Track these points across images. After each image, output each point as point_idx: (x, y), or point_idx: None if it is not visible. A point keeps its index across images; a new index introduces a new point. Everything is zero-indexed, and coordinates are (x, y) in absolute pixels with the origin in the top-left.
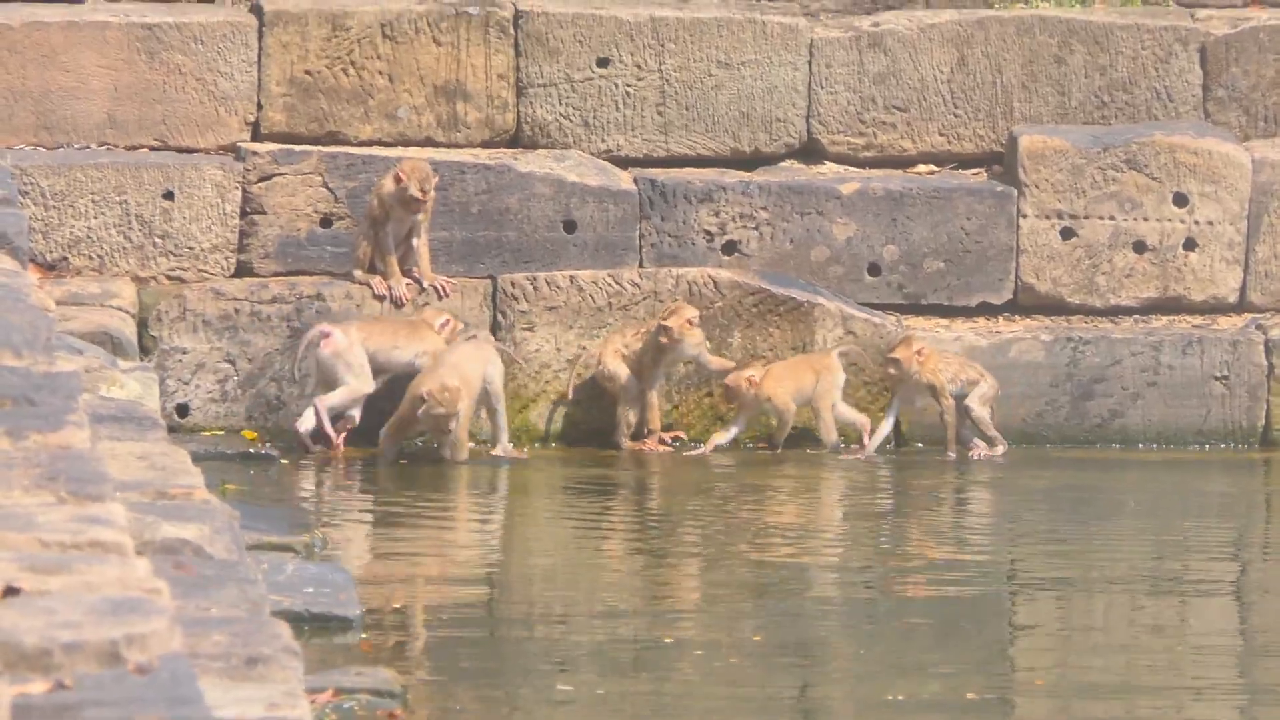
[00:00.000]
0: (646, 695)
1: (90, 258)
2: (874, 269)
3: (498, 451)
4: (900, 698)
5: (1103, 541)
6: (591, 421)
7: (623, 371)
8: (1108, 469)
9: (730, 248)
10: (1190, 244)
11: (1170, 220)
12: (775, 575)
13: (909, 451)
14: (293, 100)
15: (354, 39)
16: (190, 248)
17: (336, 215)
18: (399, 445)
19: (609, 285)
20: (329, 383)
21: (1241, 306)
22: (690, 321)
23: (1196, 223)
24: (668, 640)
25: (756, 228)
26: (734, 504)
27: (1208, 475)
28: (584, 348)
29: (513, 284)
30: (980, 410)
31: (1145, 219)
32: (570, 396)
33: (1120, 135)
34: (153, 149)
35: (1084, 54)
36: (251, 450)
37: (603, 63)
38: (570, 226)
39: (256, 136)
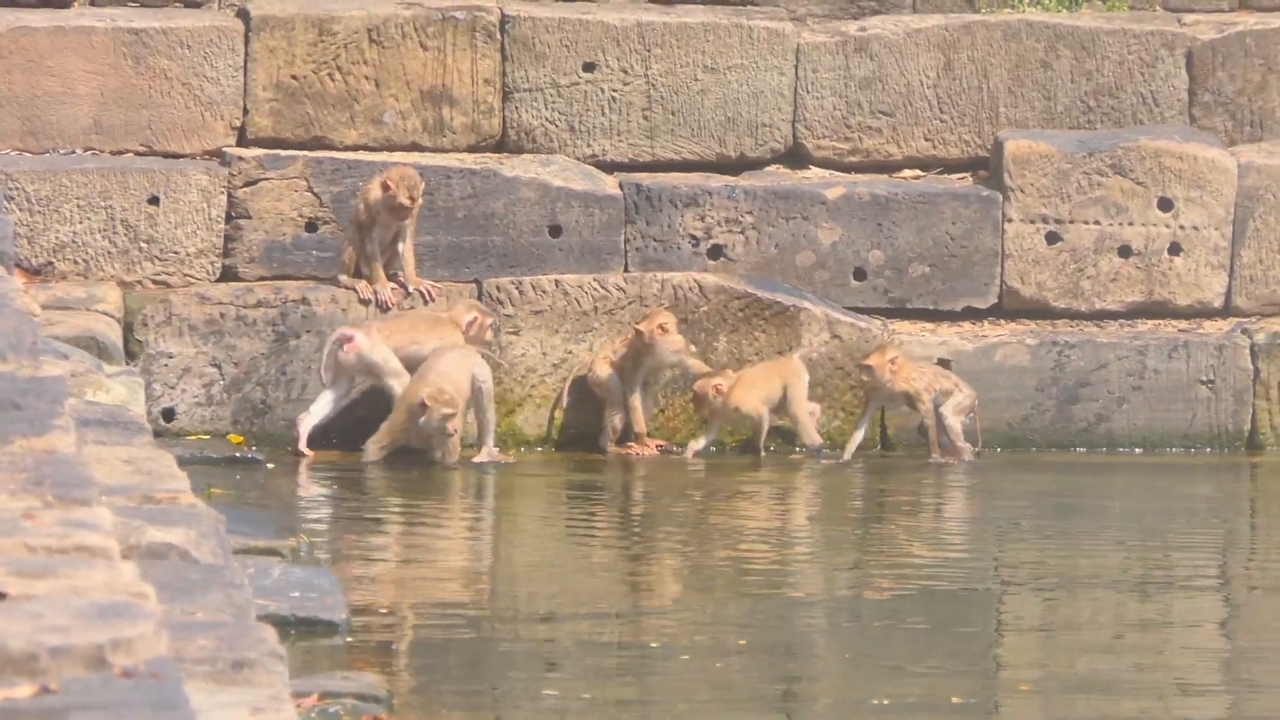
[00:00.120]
0: (633, 699)
1: (76, 262)
2: (859, 273)
3: (482, 456)
4: (885, 702)
5: (1089, 544)
6: (577, 426)
7: (610, 377)
8: (1093, 473)
9: (716, 252)
10: (1175, 249)
11: (1155, 225)
12: (759, 578)
13: (893, 456)
14: (278, 105)
15: (340, 44)
16: (176, 252)
17: (322, 220)
18: (385, 452)
19: (594, 289)
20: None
21: (1227, 311)
22: (663, 327)
23: (1182, 227)
24: (654, 645)
25: (742, 232)
26: (717, 507)
27: (1194, 479)
28: (570, 351)
29: (498, 288)
30: (953, 420)
31: (1130, 224)
32: (564, 404)
33: (1106, 140)
34: (138, 154)
35: (1070, 59)
36: (238, 454)
37: (589, 67)
38: (556, 231)
39: (242, 141)
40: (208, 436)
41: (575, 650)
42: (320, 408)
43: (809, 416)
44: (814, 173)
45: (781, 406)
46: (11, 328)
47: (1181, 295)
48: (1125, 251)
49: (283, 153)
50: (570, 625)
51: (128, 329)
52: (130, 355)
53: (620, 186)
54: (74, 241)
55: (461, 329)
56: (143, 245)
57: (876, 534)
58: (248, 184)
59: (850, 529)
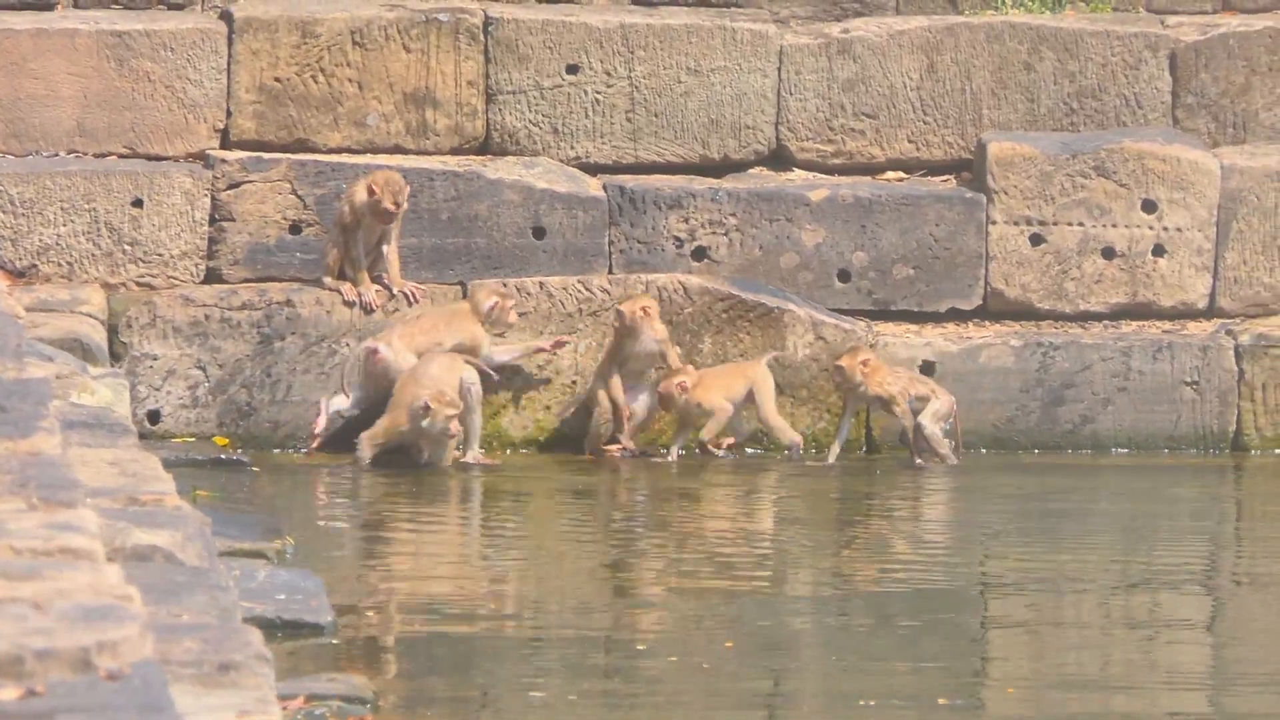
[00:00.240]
0: (620, 699)
1: (60, 265)
2: (843, 275)
3: (469, 459)
4: (872, 703)
5: (1073, 544)
6: (562, 428)
7: (599, 386)
8: (1078, 475)
9: (700, 254)
10: (1159, 250)
11: (1139, 226)
12: (745, 578)
13: (877, 458)
14: (262, 107)
15: (324, 46)
16: (160, 254)
17: (306, 222)
18: (377, 450)
19: (579, 291)
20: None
21: (1211, 312)
22: (646, 310)
23: (1165, 229)
24: (641, 645)
25: (726, 234)
26: (702, 508)
27: (1179, 480)
28: (555, 353)
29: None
30: (932, 428)
31: (1114, 225)
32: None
33: (1089, 142)
34: (122, 156)
35: (1053, 60)
36: (223, 457)
37: (572, 69)
38: (539, 233)
39: (226, 144)
40: (193, 439)
41: (562, 650)
42: (344, 400)
43: (779, 418)
44: (797, 175)
45: (750, 411)
46: None
47: (1165, 297)
48: (1109, 253)
49: (266, 155)
50: (557, 625)
51: (112, 331)
52: (115, 357)
53: (604, 188)
54: (58, 244)
55: (482, 315)
56: (126, 247)
57: (861, 534)
58: (231, 186)
59: (834, 529)
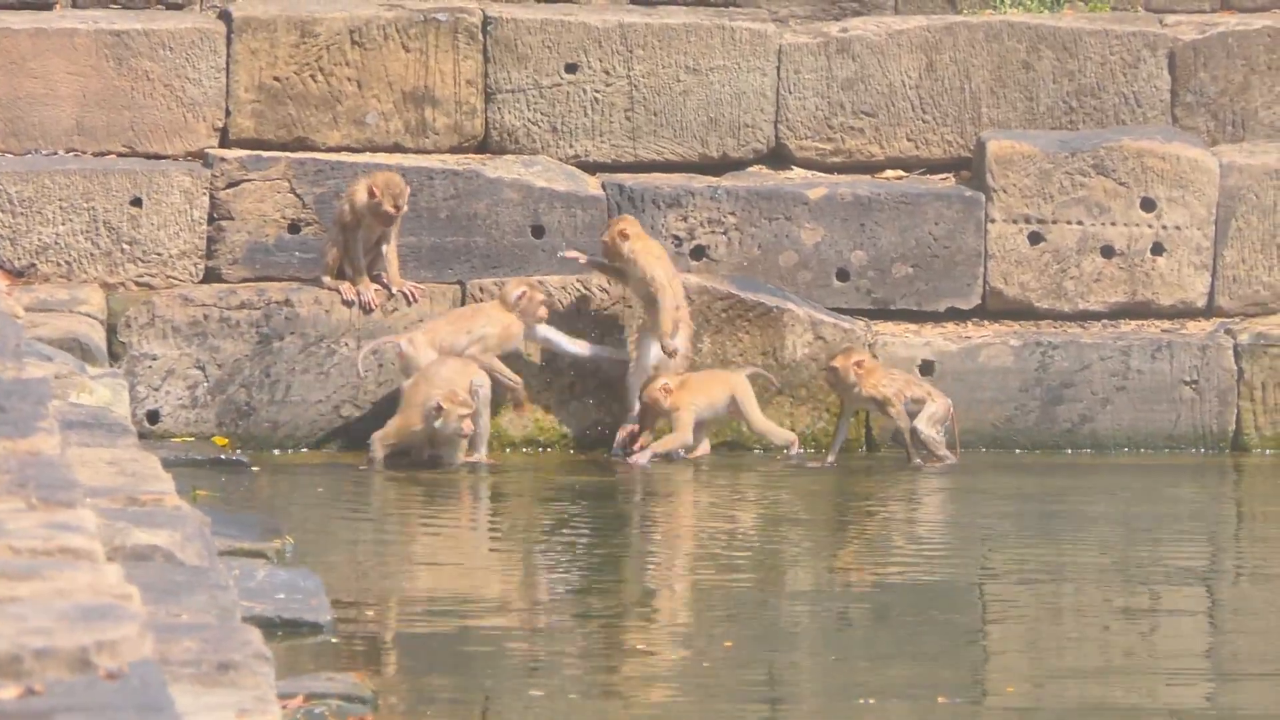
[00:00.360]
0: (619, 697)
1: (58, 264)
2: (842, 274)
3: (475, 458)
4: (871, 700)
5: (1072, 541)
6: (565, 428)
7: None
8: (1077, 474)
9: (699, 252)
10: (1158, 249)
11: (1138, 225)
12: (744, 575)
13: (877, 457)
14: (261, 106)
15: (322, 45)
16: (159, 254)
17: (305, 221)
18: (389, 450)
19: (577, 290)
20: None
21: (1210, 311)
22: (624, 232)
23: (1164, 228)
24: (640, 645)
25: (725, 233)
26: (702, 507)
27: (1178, 479)
28: (553, 354)
29: (481, 289)
30: (929, 431)
31: (1113, 224)
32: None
33: (1088, 140)
34: (121, 155)
35: (1052, 59)
36: (223, 456)
37: (571, 68)
38: (538, 232)
39: (225, 143)
40: (192, 439)
41: (562, 649)
42: None
43: (765, 421)
44: (796, 173)
45: (733, 419)
46: None
47: (1164, 295)
48: (1108, 252)
49: (265, 154)
50: (558, 624)
51: (111, 331)
52: (114, 357)
53: (603, 187)
54: (56, 243)
55: (510, 305)
56: (125, 247)
57: (860, 532)
58: (230, 185)
59: (833, 528)
